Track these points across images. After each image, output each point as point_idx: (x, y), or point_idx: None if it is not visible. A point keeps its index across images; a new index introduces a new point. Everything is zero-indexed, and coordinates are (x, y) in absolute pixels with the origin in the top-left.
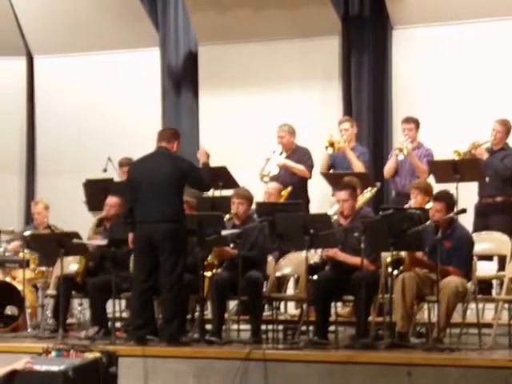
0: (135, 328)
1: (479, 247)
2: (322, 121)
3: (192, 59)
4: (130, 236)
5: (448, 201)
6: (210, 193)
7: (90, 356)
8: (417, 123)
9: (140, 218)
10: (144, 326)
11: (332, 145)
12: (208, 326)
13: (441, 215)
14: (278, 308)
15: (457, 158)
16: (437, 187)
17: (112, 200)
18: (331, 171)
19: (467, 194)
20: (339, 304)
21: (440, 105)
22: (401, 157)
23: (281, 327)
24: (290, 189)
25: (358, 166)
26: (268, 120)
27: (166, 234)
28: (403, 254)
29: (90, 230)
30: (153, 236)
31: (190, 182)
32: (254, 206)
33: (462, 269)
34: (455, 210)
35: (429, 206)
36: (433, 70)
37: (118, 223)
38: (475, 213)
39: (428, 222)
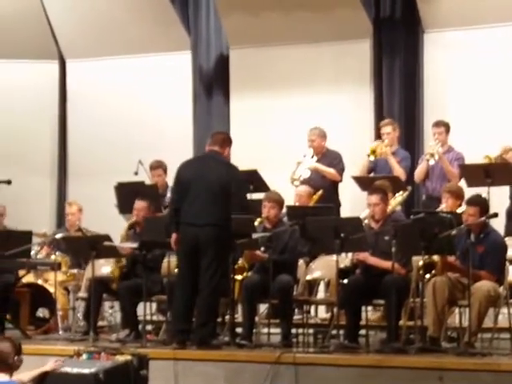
0: (177, 331)
1: (511, 251)
2: (353, 124)
3: (223, 62)
4: (174, 236)
5: (482, 205)
6: None
7: (120, 359)
8: (447, 127)
9: (186, 220)
10: (187, 330)
11: (374, 152)
12: (238, 330)
13: (474, 219)
14: (309, 312)
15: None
16: (468, 191)
17: (139, 204)
18: (372, 175)
19: (499, 197)
20: (370, 308)
21: (471, 108)
22: (432, 162)
23: (311, 331)
24: (320, 192)
25: (399, 172)
26: (299, 123)
27: (211, 239)
28: (435, 257)
29: (121, 236)
30: (198, 239)
31: (232, 191)
32: (284, 210)
33: (495, 273)
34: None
35: (460, 209)
36: (464, 74)
37: (149, 226)
38: (507, 217)
39: (461, 226)
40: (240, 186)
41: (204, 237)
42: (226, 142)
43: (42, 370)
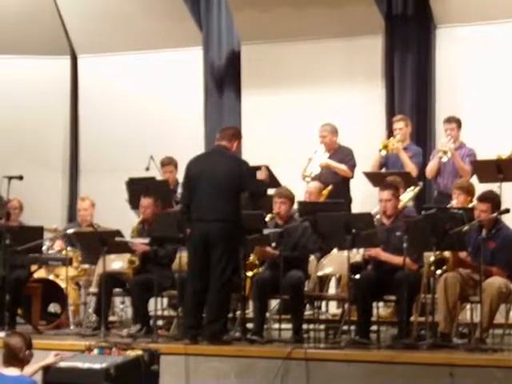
0: (189, 327)
1: None
2: (365, 120)
3: (235, 58)
4: (189, 232)
5: (494, 201)
6: None
7: (131, 354)
8: (458, 123)
9: (195, 215)
10: (198, 326)
11: (385, 147)
12: (249, 325)
13: (486, 215)
14: (320, 307)
15: None
16: (480, 187)
17: (145, 201)
18: (383, 171)
19: (510, 193)
20: (381, 304)
21: (484, 104)
22: (445, 159)
23: (322, 327)
24: (330, 188)
25: (411, 168)
26: (310, 119)
27: (221, 234)
28: (447, 253)
29: (132, 233)
30: (208, 235)
31: (247, 187)
32: (295, 206)
33: (506, 269)
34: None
35: (471, 206)
36: (476, 70)
37: (159, 221)
38: None
39: (473, 222)
40: (250, 175)
41: (214, 232)
42: (235, 136)
43: (43, 364)
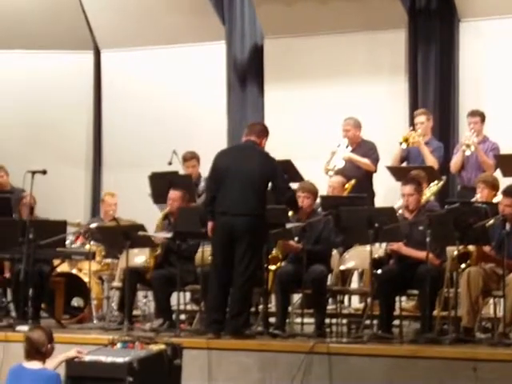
0: (213, 321)
1: None
2: (388, 114)
3: (258, 52)
4: (210, 225)
5: None
6: None
7: (154, 348)
8: (482, 116)
9: (222, 208)
10: (222, 320)
11: (406, 140)
12: (272, 320)
13: (510, 210)
14: (342, 302)
15: None
16: (504, 181)
17: (174, 194)
18: (404, 164)
19: None
20: (404, 298)
21: (507, 98)
22: (468, 153)
23: (345, 321)
24: (353, 182)
25: (432, 162)
26: (333, 113)
27: (246, 229)
28: (471, 247)
29: (156, 226)
30: (233, 229)
31: (275, 184)
32: (318, 200)
33: None
34: None
35: (495, 200)
36: (500, 63)
37: (183, 216)
38: None
39: (497, 216)
40: (282, 179)
41: (239, 226)
42: (263, 132)
43: (64, 357)
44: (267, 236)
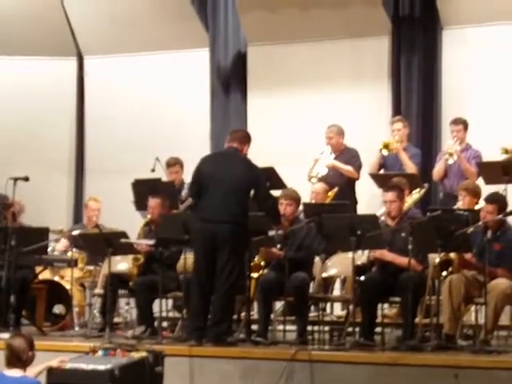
0: (195, 329)
1: None
2: (371, 121)
3: (241, 59)
4: None
5: (500, 203)
6: None
7: (136, 355)
8: (465, 124)
9: (204, 215)
10: (204, 328)
11: (386, 146)
12: (254, 327)
13: (492, 217)
14: (324, 309)
15: (504, 156)
16: (486, 189)
17: (153, 201)
18: (382, 171)
19: None
20: (386, 305)
21: (490, 106)
22: (451, 161)
23: (327, 328)
24: (336, 189)
25: (411, 168)
26: (316, 121)
27: (229, 236)
28: (452, 255)
29: (138, 234)
30: (216, 236)
31: (258, 192)
32: (301, 207)
33: (511, 271)
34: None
35: (477, 207)
36: (483, 71)
37: (165, 223)
38: None
39: (478, 224)
40: (264, 187)
41: (221, 233)
42: (246, 139)
43: (46, 365)
44: (249, 243)
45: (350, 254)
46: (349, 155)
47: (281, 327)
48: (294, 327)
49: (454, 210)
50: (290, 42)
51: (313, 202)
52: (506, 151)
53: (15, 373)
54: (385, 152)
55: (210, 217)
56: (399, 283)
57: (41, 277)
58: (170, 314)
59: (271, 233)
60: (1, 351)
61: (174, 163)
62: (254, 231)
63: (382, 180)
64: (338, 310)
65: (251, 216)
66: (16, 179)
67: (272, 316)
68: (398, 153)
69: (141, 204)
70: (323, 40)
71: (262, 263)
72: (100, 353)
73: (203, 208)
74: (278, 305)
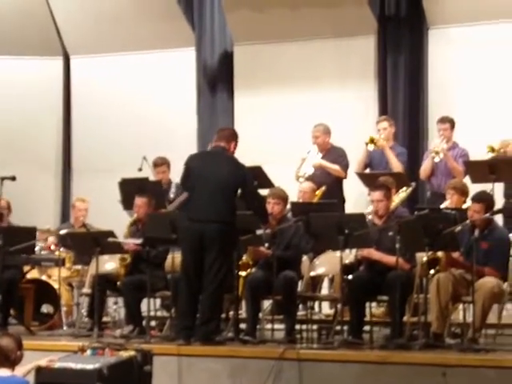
0: (183, 328)
1: None
2: (357, 120)
3: (227, 58)
4: None
5: (487, 201)
6: None
7: (124, 354)
8: (452, 123)
9: (192, 215)
10: (192, 327)
11: (372, 141)
12: (242, 326)
13: (479, 216)
14: (313, 308)
15: (490, 154)
16: (473, 187)
17: (139, 200)
18: (367, 170)
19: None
20: (374, 304)
21: (477, 105)
22: (437, 159)
23: (315, 327)
24: (323, 188)
25: (397, 166)
26: (303, 120)
27: (216, 235)
28: (440, 254)
29: (124, 234)
30: (204, 235)
31: (245, 191)
32: (289, 206)
33: (499, 270)
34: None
35: (465, 206)
36: (469, 70)
37: (152, 222)
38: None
39: (465, 222)
40: (251, 187)
41: (209, 233)
42: (232, 137)
43: (35, 364)
44: (237, 242)
45: (337, 253)
46: (336, 154)
47: (269, 326)
48: (282, 326)
49: (441, 209)
50: (277, 41)
51: (300, 200)
52: (492, 149)
53: (4, 372)
54: (370, 147)
55: (198, 216)
56: (387, 282)
57: (28, 276)
58: (159, 314)
59: (259, 232)
60: None
61: (161, 163)
62: (241, 230)
63: (368, 179)
64: (326, 308)
65: (239, 215)
66: (3, 178)
67: (260, 315)
68: (384, 149)
69: (128, 203)
70: (309, 39)
71: (250, 262)
72: (88, 352)
73: (190, 207)
74: (266, 304)
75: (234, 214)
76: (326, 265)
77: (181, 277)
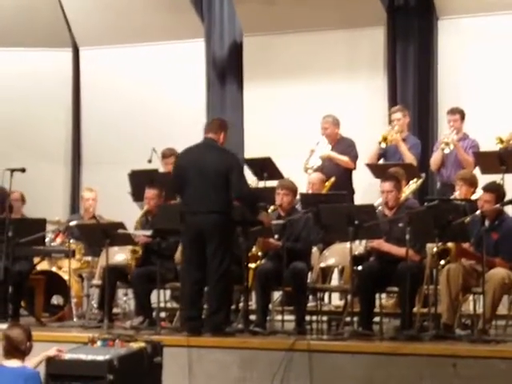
0: (188, 319)
1: None
2: (366, 111)
3: (237, 50)
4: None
5: (498, 192)
6: (254, 184)
7: (135, 346)
8: (462, 114)
9: (189, 208)
10: (198, 318)
11: (385, 139)
12: (252, 317)
13: (490, 206)
14: (323, 299)
15: (500, 146)
16: (482, 178)
17: (150, 192)
18: (381, 161)
19: None
20: (384, 295)
21: (486, 95)
22: (447, 151)
23: (325, 318)
24: (333, 179)
25: (410, 159)
26: (312, 111)
27: (215, 226)
28: (450, 244)
29: (135, 224)
30: (203, 227)
31: (230, 179)
32: (298, 197)
33: (509, 260)
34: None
35: (474, 197)
36: (479, 60)
37: (162, 213)
38: None
39: (476, 213)
40: (238, 175)
41: (207, 225)
42: (221, 127)
43: (44, 355)
44: (235, 231)
45: (347, 244)
46: (345, 145)
47: (279, 317)
48: (292, 317)
49: (451, 200)
50: (286, 32)
51: (310, 192)
52: (501, 140)
53: (14, 363)
54: (383, 145)
55: (194, 209)
56: (397, 273)
57: (39, 268)
58: (168, 305)
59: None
60: None
61: (170, 154)
62: (250, 222)
63: (378, 170)
64: (336, 299)
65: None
66: (13, 170)
67: (270, 306)
68: (397, 144)
69: (138, 195)
70: (319, 30)
71: (260, 253)
72: (99, 343)
73: (186, 201)
74: (276, 295)
75: (230, 203)
76: (336, 256)
77: (183, 269)
